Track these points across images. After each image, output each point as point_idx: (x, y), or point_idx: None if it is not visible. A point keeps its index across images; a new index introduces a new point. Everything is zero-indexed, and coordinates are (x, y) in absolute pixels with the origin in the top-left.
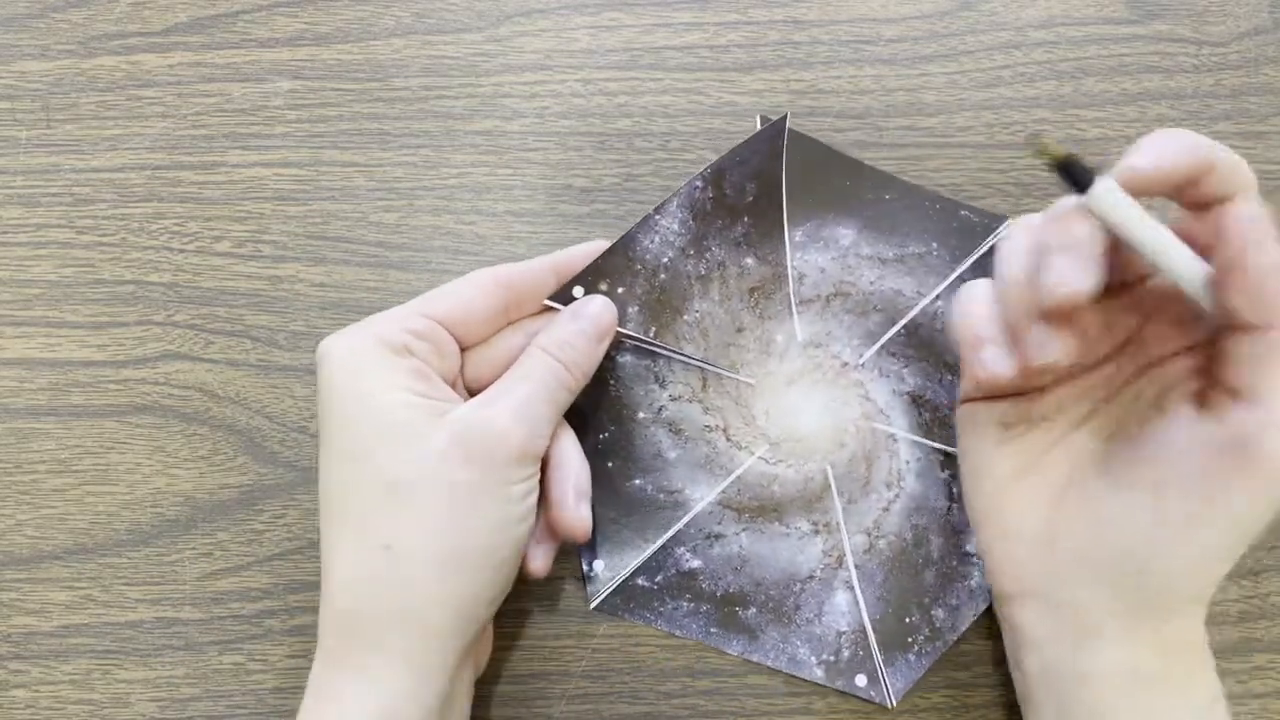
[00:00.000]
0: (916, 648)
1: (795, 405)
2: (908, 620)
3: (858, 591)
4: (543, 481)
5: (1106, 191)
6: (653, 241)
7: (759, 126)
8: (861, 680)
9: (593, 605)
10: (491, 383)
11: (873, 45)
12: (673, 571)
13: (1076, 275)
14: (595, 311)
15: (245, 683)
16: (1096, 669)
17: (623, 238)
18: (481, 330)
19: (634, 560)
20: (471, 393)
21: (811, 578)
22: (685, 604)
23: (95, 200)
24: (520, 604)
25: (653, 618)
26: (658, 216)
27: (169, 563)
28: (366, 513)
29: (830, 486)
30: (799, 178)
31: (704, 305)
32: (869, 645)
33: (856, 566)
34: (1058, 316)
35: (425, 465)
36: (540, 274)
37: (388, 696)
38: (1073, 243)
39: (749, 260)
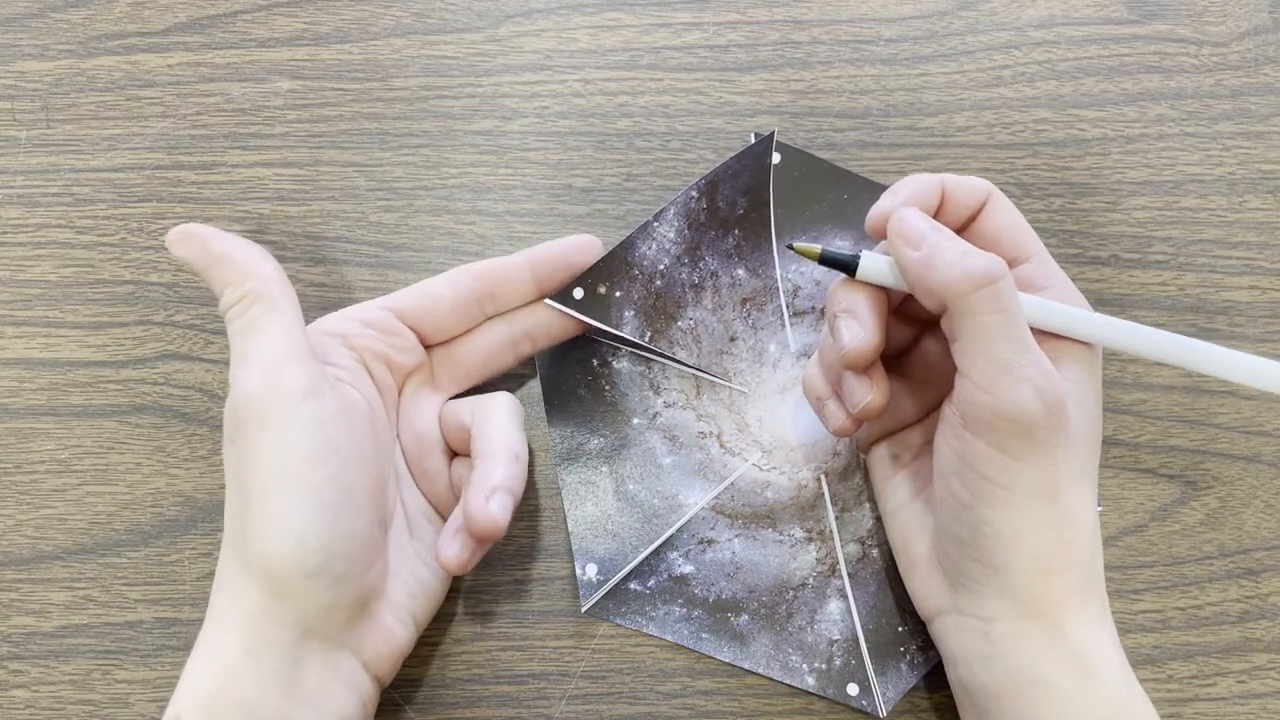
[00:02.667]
0: (909, 658)
1: (788, 414)
2: (900, 630)
3: (850, 600)
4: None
5: (866, 262)
6: (650, 248)
7: (752, 140)
8: (853, 689)
9: (585, 609)
10: (474, 372)
11: (873, 45)
12: (665, 576)
13: (856, 331)
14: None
15: None
16: (996, 678)
17: (623, 242)
18: (449, 321)
19: (626, 565)
20: (459, 384)
21: (804, 585)
22: (677, 609)
23: (95, 200)
24: (520, 604)
25: (644, 622)
26: (655, 224)
27: (169, 563)
28: None
29: (824, 495)
30: (795, 192)
31: (698, 313)
32: (861, 654)
33: (850, 575)
34: (857, 366)
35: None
36: (514, 267)
37: (220, 667)
38: (849, 308)
39: (740, 272)
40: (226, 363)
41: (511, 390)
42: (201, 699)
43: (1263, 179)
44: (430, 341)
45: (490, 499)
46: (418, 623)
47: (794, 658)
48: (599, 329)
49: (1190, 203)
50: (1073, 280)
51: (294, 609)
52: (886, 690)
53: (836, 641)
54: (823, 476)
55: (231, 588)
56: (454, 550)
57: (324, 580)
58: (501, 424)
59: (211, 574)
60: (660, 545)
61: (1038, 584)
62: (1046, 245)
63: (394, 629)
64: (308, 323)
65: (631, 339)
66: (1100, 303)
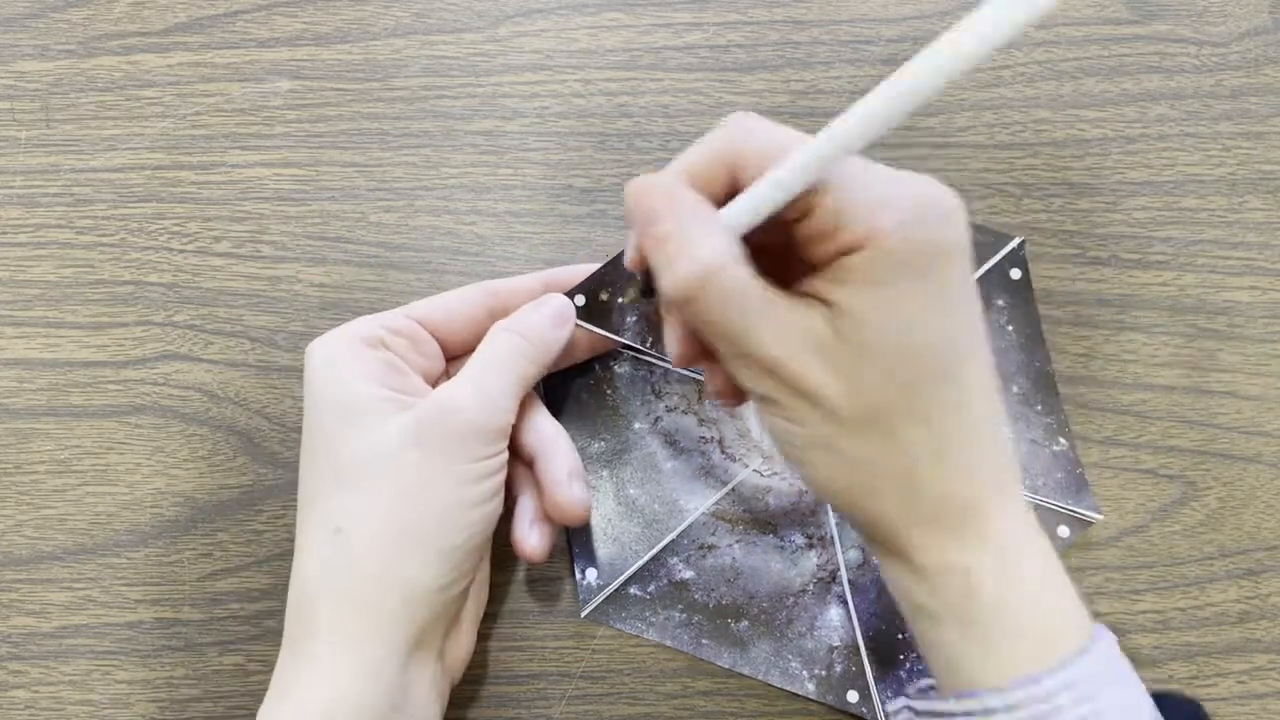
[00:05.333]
0: (908, 665)
1: None
2: (901, 637)
3: (851, 607)
4: (534, 467)
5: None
6: None
7: None
8: (853, 696)
9: (584, 614)
10: None
11: (873, 45)
12: (665, 582)
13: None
14: (556, 301)
15: (245, 683)
16: (919, 600)
17: (624, 248)
18: (465, 333)
19: (626, 569)
20: None
21: (805, 592)
22: (677, 614)
23: (95, 200)
24: (520, 605)
25: (644, 627)
26: None
27: (169, 563)
28: (319, 498)
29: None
30: None
31: None
32: (861, 661)
33: (850, 582)
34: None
35: (377, 448)
36: (529, 286)
37: (335, 687)
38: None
39: None
40: (227, 363)
41: None
42: (315, 715)
43: (1263, 179)
44: (445, 354)
45: (571, 484)
46: (477, 623)
47: (794, 664)
48: (601, 335)
49: (1190, 203)
50: (1073, 280)
51: (414, 621)
52: (886, 698)
53: (836, 648)
54: None
55: (345, 599)
56: (535, 539)
57: (450, 593)
58: (539, 416)
59: (211, 574)
60: (660, 550)
61: (879, 531)
62: (1046, 245)
63: (469, 632)
64: (321, 324)
65: (634, 345)
66: (1100, 303)
